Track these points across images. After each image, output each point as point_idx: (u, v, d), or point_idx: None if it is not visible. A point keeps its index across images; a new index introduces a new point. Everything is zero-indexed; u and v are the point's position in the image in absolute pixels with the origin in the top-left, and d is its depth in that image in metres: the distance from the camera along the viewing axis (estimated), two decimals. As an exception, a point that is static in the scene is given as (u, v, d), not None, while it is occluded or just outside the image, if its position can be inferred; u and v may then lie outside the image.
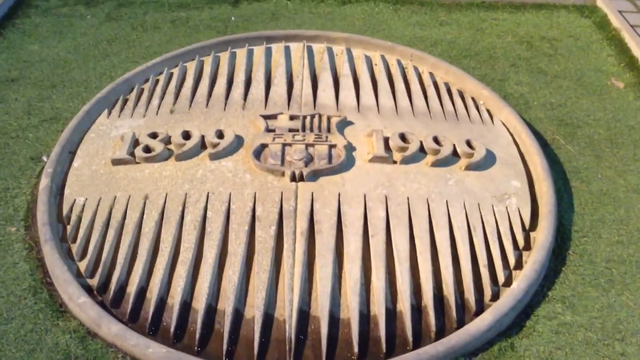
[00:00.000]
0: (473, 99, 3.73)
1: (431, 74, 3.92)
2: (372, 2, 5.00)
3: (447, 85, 3.85)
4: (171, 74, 3.81)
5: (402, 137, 3.24)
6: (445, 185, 3.02)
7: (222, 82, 3.71)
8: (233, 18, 4.71)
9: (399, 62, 4.00)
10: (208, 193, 2.90)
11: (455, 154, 3.19)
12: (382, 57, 4.03)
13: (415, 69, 3.96)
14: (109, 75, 3.92)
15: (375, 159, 3.11)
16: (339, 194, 2.91)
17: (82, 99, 3.68)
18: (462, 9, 4.97)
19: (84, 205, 2.91)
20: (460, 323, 2.53)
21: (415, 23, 4.73)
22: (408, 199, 2.93)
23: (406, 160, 3.12)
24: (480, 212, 2.92)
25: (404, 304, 2.55)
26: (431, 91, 3.74)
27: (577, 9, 5.04)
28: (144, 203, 2.88)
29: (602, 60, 4.36)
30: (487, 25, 4.74)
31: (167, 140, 3.18)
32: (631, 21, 4.78)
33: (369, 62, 3.99)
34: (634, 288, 2.71)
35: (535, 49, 4.46)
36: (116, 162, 3.08)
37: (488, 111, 3.64)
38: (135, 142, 3.18)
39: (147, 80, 3.75)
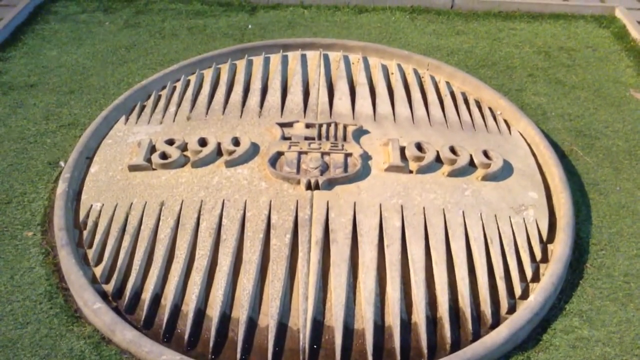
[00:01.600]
0: (490, 109, 3.71)
1: (448, 84, 3.91)
2: (389, 11, 5.00)
3: (464, 94, 3.83)
4: (188, 81, 3.83)
5: (419, 147, 3.22)
6: (461, 196, 3.00)
7: (238, 89, 3.72)
8: (250, 26, 4.73)
9: (416, 71, 3.99)
10: (224, 200, 2.90)
11: (472, 164, 3.17)
12: (399, 66, 4.02)
13: (432, 78, 3.95)
14: (127, 82, 3.95)
15: (391, 168, 3.10)
16: (355, 203, 2.90)
17: (100, 105, 3.70)
18: (479, 18, 4.96)
19: (100, 211, 2.92)
20: (476, 335, 2.51)
21: (431, 32, 4.72)
22: (424, 209, 2.91)
23: (422, 170, 3.11)
24: (497, 223, 2.90)
25: (419, 316, 2.53)
26: (448, 101, 3.73)
27: (595, 20, 5.01)
28: (160, 209, 2.88)
29: (621, 71, 4.32)
30: (505, 35, 4.72)
31: (184, 147, 3.19)
32: (651, 32, 4.75)
33: (386, 70, 3.98)
34: (653, 303, 2.68)
35: (553, 59, 4.43)
36: (133, 168, 3.10)
37: (505, 121, 3.61)
38: (152, 149, 3.19)
39: (164, 87, 3.78)
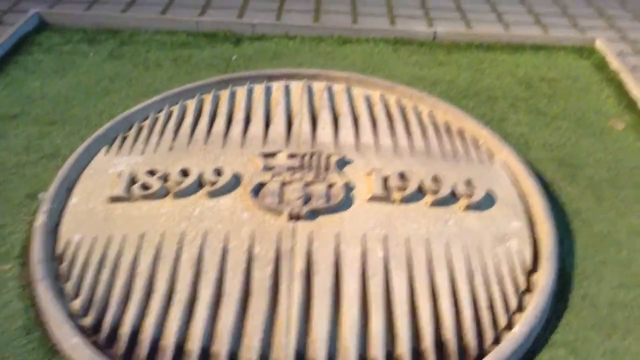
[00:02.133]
0: (472, 138, 3.73)
1: (430, 114, 3.93)
2: (372, 42, 5.04)
3: (446, 124, 3.85)
4: (171, 112, 3.82)
5: (401, 177, 3.22)
6: (444, 226, 2.99)
7: (221, 120, 3.72)
8: (234, 57, 4.75)
9: (399, 102, 4.02)
10: (205, 231, 2.87)
11: (454, 194, 3.17)
12: (382, 96, 4.05)
13: (415, 108, 3.97)
14: (109, 113, 3.92)
15: (374, 199, 3.09)
16: (338, 234, 2.89)
17: (82, 136, 3.66)
18: (461, 49, 5.01)
19: (79, 243, 2.87)
20: (461, 368, 2.48)
21: (414, 63, 4.76)
22: (407, 239, 2.90)
23: (405, 200, 3.10)
24: (481, 254, 2.89)
25: (403, 348, 2.50)
26: (430, 131, 3.75)
27: (575, 50, 5.09)
28: (140, 241, 2.84)
29: (602, 101, 4.38)
30: (487, 66, 4.77)
31: (165, 178, 3.16)
32: (630, 63, 4.83)
33: (369, 101, 4.00)
34: (638, 333, 2.66)
35: (534, 89, 4.48)
36: (113, 199, 3.06)
37: (487, 151, 3.63)
38: (133, 180, 3.16)
39: (146, 118, 3.76)
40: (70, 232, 2.94)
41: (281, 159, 3.32)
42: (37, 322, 2.61)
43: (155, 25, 5.11)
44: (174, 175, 3.15)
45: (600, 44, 5.11)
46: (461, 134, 3.78)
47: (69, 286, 2.71)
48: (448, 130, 3.80)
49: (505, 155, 3.55)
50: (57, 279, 2.76)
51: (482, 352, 2.53)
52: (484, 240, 2.96)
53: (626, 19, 5.75)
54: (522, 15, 5.68)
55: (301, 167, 3.26)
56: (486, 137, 3.70)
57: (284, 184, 3.11)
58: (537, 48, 5.11)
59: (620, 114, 4.21)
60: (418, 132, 3.71)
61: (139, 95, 4.15)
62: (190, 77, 4.41)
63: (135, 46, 4.87)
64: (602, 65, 4.85)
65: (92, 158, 3.42)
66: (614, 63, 4.79)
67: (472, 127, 3.79)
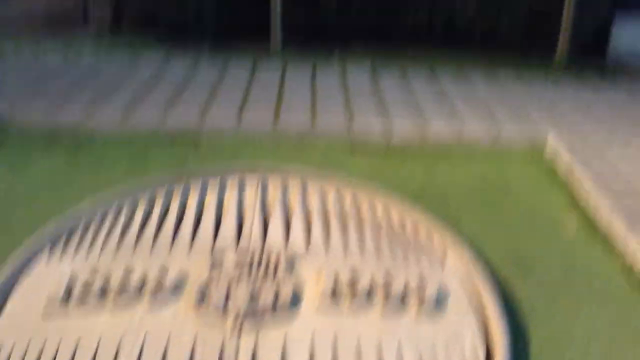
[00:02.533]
0: (426, 237, 3.71)
1: (384, 212, 3.92)
2: (328, 145, 5.12)
3: (400, 223, 3.83)
4: (119, 212, 3.74)
5: (352, 279, 3.15)
6: (397, 327, 2.91)
7: (171, 220, 3.65)
8: (192, 158, 4.76)
9: (353, 200, 4.01)
10: (144, 338, 2.73)
11: (406, 295, 3.10)
12: (336, 194, 4.05)
13: (369, 206, 3.96)
14: (57, 214, 3.83)
15: (323, 301, 3.00)
16: (284, 339, 2.77)
17: (23, 239, 3.54)
18: (415, 152, 5.11)
19: (11, 350, 2.70)
20: None
21: (369, 164, 4.83)
22: (358, 343, 2.79)
23: (356, 302, 3.02)
24: (434, 355, 2.79)
25: None
26: (383, 229, 3.72)
27: (529, 148, 5.22)
28: (75, 349, 2.69)
29: (555, 198, 4.44)
30: (441, 166, 4.86)
31: (106, 282, 3.04)
32: (583, 159, 4.90)
33: (323, 199, 3.99)
34: None
35: (488, 187, 4.54)
36: (51, 304, 2.92)
37: (441, 250, 3.60)
38: (73, 284, 3.03)
39: (93, 218, 3.67)
40: (3, 338, 2.77)
41: (229, 261, 3.23)
42: None
43: (114, 127, 5.13)
44: (116, 279, 3.04)
45: (553, 140, 5.24)
46: (415, 232, 3.75)
47: (-6, 400, 2.53)
48: (401, 228, 3.78)
49: (458, 253, 3.52)
50: (-18, 393, 2.58)
51: None
52: (436, 342, 2.86)
53: (579, 114, 5.94)
54: (478, 109, 5.86)
55: (249, 269, 3.17)
56: (440, 234, 3.68)
57: (230, 288, 3.01)
58: (491, 146, 5.23)
59: (572, 211, 4.25)
60: (371, 232, 3.68)
61: (91, 195, 4.08)
62: (144, 178, 4.37)
63: (91, 148, 4.86)
64: (555, 162, 4.96)
65: (32, 262, 3.29)
66: (567, 159, 4.89)
67: (426, 224, 3.78)
